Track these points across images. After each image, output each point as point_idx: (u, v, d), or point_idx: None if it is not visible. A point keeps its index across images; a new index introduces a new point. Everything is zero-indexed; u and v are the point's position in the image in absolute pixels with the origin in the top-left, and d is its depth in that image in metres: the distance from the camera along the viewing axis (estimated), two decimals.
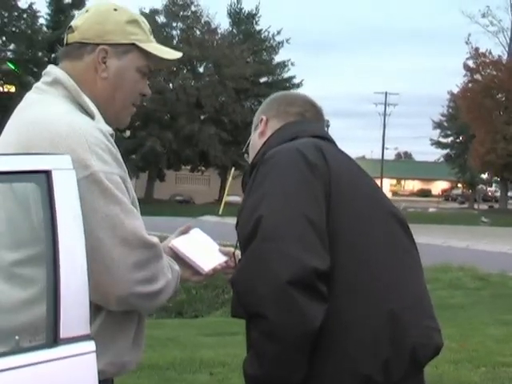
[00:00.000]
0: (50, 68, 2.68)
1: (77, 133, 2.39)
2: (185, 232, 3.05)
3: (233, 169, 45.94)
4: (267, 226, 2.36)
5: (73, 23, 2.70)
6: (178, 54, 2.83)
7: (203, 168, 61.07)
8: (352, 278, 2.44)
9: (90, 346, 2.21)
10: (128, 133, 54.29)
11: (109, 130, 2.56)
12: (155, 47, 2.73)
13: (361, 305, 2.43)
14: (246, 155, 3.02)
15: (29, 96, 2.65)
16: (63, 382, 2.16)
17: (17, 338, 2.20)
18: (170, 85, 55.32)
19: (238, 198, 60.88)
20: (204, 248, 3.04)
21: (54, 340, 2.15)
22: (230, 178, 42.27)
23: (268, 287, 2.30)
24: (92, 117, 2.56)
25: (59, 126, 2.41)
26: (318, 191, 2.45)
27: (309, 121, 2.89)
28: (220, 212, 38.35)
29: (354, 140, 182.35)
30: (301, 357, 2.33)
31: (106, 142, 2.44)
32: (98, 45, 2.65)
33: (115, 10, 2.70)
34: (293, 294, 2.28)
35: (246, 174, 2.85)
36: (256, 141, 2.93)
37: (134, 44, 2.68)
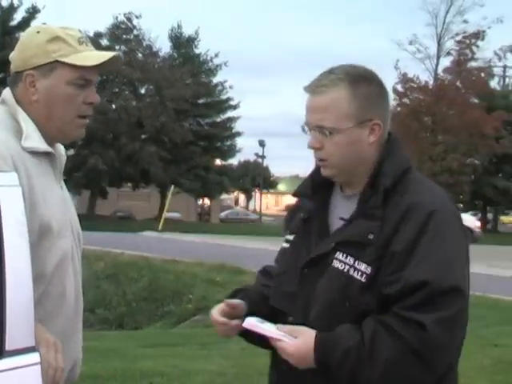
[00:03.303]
0: (4, 91, 2.74)
1: None
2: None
3: (172, 186, 45.77)
4: (466, 298, 2.41)
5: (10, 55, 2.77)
6: (106, 56, 2.74)
7: (144, 185, 60.78)
8: None
9: (35, 357, 2.19)
10: (72, 151, 53.82)
11: (32, 147, 2.60)
12: (81, 57, 2.68)
13: None
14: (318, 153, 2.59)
15: None
16: None
17: None
18: (113, 105, 55.01)
19: (176, 215, 60.64)
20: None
21: (0, 352, 2.13)
22: (170, 195, 42.10)
23: (456, 353, 2.50)
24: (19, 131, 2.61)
25: None
26: None
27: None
28: (160, 228, 38.13)
29: (289, 159, 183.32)
30: None
31: None
32: (25, 71, 2.68)
33: (38, 32, 2.73)
34: None
35: (365, 188, 2.53)
36: (365, 145, 2.54)
37: (58, 61, 2.66)
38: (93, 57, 2.71)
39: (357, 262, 2.45)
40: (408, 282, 2.36)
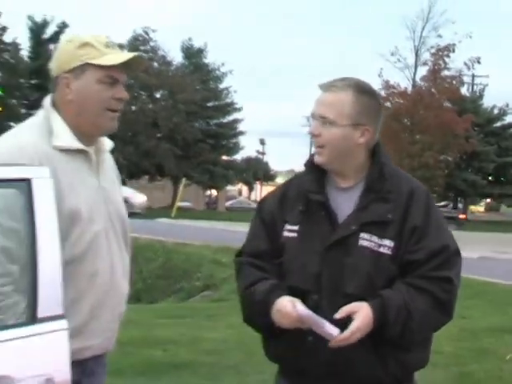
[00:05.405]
0: (45, 97, 2.77)
1: None
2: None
3: (184, 179, 45.72)
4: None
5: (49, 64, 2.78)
6: (128, 55, 2.78)
7: (159, 178, 60.77)
8: None
9: (63, 324, 2.23)
10: None
11: (61, 146, 2.61)
12: (106, 58, 2.70)
13: None
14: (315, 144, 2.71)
15: None
16: (41, 353, 2.19)
17: (1, 317, 2.22)
18: (132, 108, 54.93)
19: (187, 204, 60.48)
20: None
21: (33, 319, 2.18)
22: (182, 187, 42.04)
23: None
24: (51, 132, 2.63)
25: None
26: None
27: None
28: (173, 215, 38.08)
29: (286, 156, 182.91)
30: None
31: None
32: (60, 75, 2.71)
33: (68, 41, 2.77)
34: None
35: (373, 179, 2.67)
36: (354, 143, 2.67)
37: (87, 63, 2.68)
38: (117, 57, 2.73)
39: (381, 240, 2.61)
40: (432, 248, 2.60)
